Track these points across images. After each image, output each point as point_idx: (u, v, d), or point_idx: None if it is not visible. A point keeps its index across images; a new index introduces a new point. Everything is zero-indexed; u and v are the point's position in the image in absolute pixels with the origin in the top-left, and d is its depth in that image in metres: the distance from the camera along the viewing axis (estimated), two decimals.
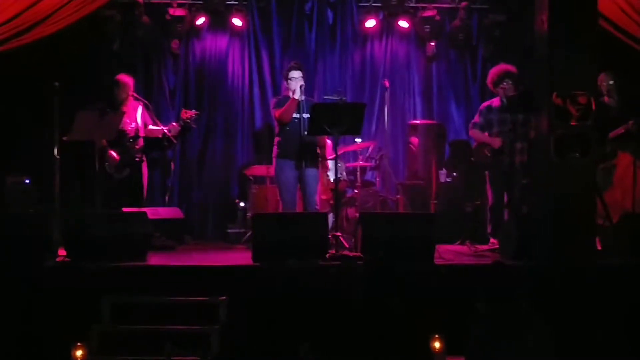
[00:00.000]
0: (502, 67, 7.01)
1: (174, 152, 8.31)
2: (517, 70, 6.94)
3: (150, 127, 7.36)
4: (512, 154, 6.80)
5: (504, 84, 6.87)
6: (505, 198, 6.90)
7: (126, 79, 7.29)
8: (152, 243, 6.09)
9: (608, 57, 6.40)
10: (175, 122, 7.33)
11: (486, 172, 7.04)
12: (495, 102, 6.99)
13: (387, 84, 7.84)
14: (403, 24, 8.79)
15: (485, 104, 7.13)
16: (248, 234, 7.15)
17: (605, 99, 6.83)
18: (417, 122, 8.71)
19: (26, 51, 6.99)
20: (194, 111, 7.32)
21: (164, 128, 7.22)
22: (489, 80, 7.11)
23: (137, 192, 7.26)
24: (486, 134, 6.95)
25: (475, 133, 7.09)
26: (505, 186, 6.89)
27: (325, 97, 7.97)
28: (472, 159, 7.35)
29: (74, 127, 6.40)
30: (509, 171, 6.82)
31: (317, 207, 6.63)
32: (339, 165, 7.00)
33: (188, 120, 7.25)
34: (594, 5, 5.81)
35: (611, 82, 6.90)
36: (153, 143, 7.49)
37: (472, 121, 7.18)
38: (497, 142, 6.85)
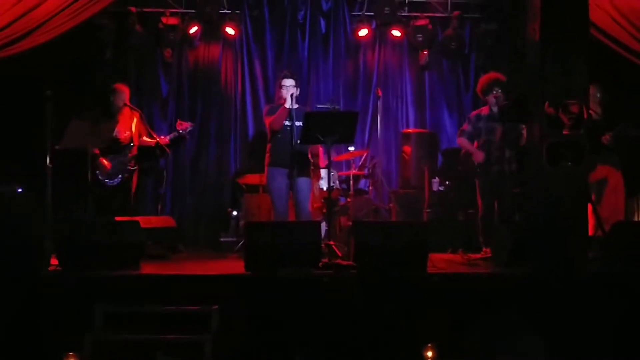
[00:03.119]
0: (492, 75, 7.03)
1: (167, 160, 8.32)
2: (507, 79, 6.95)
3: (145, 138, 7.37)
4: (501, 163, 6.81)
5: (494, 92, 6.88)
6: (496, 207, 6.90)
7: (123, 87, 7.38)
8: (145, 252, 6.07)
9: (597, 65, 6.43)
10: (168, 135, 7.33)
11: (476, 181, 7.03)
12: (485, 110, 7.00)
13: (380, 92, 7.86)
14: (396, 33, 8.84)
15: (475, 112, 7.14)
16: (241, 243, 7.13)
17: (591, 110, 6.85)
18: (410, 130, 8.74)
19: (18, 59, 6.97)
20: (189, 123, 7.34)
21: (159, 140, 7.21)
22: (478, 88, 7.12)
23: (127, 200, 7.25)
24: (475, 143, 6.95)
25: (462, 141, 7.07)
26: (494, 195, 6.86)
27: (319, 106, 8.00)
28: (459, 167, 7.34)
29: (67, 135, 6.40)
30: (499, 180, 6.81)
31: (310, 216, 6.61)
32: (332, 173, 6.99)
33: (183, 132, 7.26)
34: (585, 14, 5.83)
35: (598, 95, 6.91)
36: (146, 152, 7.48)
37: (461, 129, 7.17)
38: (480, 156, 6.85)
